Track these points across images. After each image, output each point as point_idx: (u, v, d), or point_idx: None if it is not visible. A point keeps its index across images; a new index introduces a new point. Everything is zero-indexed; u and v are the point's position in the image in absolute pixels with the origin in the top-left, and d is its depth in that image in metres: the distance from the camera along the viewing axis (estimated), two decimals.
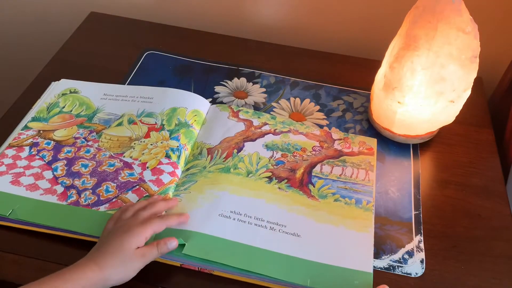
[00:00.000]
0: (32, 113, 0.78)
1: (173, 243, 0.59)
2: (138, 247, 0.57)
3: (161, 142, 0.73)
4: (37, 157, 0.71)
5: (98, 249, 0.56)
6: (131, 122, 0.77)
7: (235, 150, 0.74)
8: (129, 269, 0.56)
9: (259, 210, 0.66)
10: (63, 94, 0.81)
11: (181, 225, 0.63)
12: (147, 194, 0.66)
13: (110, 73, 0.86)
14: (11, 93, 0.93)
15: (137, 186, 0.68)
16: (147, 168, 0.70)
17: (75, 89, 0.82)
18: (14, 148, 0.72)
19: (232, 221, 0.65)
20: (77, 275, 0.53)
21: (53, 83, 0.83)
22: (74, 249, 0.62)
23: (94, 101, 0.80)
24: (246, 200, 0.67)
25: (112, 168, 0.70)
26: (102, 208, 0.65)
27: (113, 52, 0.92)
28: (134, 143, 0.73)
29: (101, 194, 0.67)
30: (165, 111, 0.78)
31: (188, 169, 0.72)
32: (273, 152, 0.74)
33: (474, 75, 0.70)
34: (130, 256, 0.56)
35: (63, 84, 0.83)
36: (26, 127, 0.75)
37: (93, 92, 0.82)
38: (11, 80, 1.16)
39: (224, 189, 0.68)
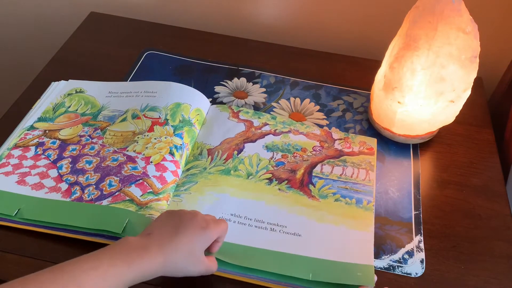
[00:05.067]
0: (36, 113, 0.78)
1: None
2: (204, 254, 0.55)
3: (165, 138, 0.73)
4: (43, 156, 0.71)
5: (172, 239, 0.53)
6: (134, 117, 0.77)
7: (235, 152, 0.74)
8: (190, 267, 0.54)
9: (260, 212, 0.66)
10: (69, 94, 0.81)
11: None
12: (151, 190, 0.67)
13: (110, 73, 0.86)
14: (11, 93, 0.93)
15: (141, 180, 0.68)
16: (151, 162, 0.70)
17: (80, 89, 0.82)
18: (20, 148, 0.72)
19: (232, 224, 0.65)
20: (144, 267, 0.50)
21: (53, 83, 0.83)
22: (75, 249, 0.62)
23: (99, 100, 0.81)
24: (246, 202, 0.67)
25: (115, 162, 0.70)
26: (104, 202, 0.65)
27: (113, 52, 0.92)
28: (138, 137, 0.74)
29: (104, 188, 0.67)
30: (169, 106, 0.78)
31: (188, 169, 0.72)
32: (273, 153, 0.74)
33: (474, 75, 0.70)
34: (195, 262, 0.54)
35: (69, 85, 0.83)
36: (32, 128, 0.75)
37: (99, 91, 0.82)
38: (11, 80, 1.16)
39: (224, 191, 0.68)
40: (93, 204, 0.65)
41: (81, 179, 0.68)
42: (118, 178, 0.68)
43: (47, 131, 0.75)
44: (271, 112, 0.82)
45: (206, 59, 0.91)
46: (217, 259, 0.59)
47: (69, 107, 0.79)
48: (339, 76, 0.90)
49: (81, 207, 0.65)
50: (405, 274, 0.63)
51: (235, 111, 0.81)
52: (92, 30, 0.97)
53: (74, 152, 0.72)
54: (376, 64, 0.79)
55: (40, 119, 0.77)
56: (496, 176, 0.75)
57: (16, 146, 0.72)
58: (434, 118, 0.73)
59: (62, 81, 0.84)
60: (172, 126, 0.75)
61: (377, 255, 0.64)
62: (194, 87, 0.83)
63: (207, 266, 0.56)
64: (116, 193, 0.66)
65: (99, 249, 0.51)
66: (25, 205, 0.65)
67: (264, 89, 0.86)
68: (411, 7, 0.69)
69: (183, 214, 0.56)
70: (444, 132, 0.80)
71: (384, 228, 0.67)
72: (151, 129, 0.75)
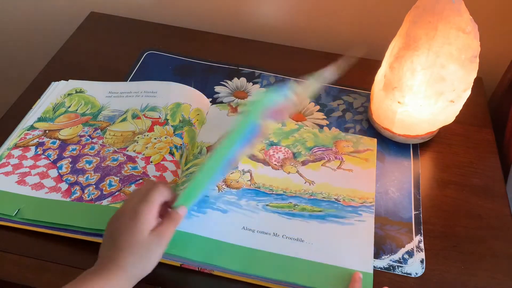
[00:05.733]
0: (36, 113, 0.78)
1: (184, 210, 0.56)
2: (151, 231, 0.53)
3: (165, 137, 0.73)
4: (43, 156, 0.71)
5: (115, 245, 0.52)
6: (134, 117, 0.77)
7: None
8: (151, 259, 0.53)
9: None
10: (69, 94, 0.81)
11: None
12: None
13: (110, 73, 0.86)
14: (11, 93, 0.93)
15: (141, 180, 0.68)
16: (151, 162, 0.70)
17: (81, 89, 0.82)
18: (21, 148, 0.72)
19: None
20: (105, 286, 0.50)
21: (53, 83, 0.83)
22: (74, 249, 0.62)
23: (99, 100, 0.81)
24: None
25: (115, 162, 0.70)
26: (104, 202, 0.65)
27: (113, 52, 0.92)
28: (138, 137, 0.74)
29: (104, 188, 0.67)
30: (169, 106, 0.78)
31: (187, 169, 0.72)
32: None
33: (474, 75, 0.70)
34: (147, 246, 0.52)
35: (69, 85, 0.83)
36: (32, 127, 0.75)
37: (99, 91, 0.82)
38: (11, 80, 1.16)
39: None
40: (93, 204, 0.65)
41: (81, 179, 0.68)
42: (118, 178, 0.68)
43: (47, 131, 0.75)
44: None
45: (206, 59, 0.91)
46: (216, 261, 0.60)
47: (69, 107, 0.79)
48: (339, 76, 0.89)
49: (82, 207, 0.65)
50: (405, 274, 0.63)
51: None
52: (92, 30, 0.97)
53: (74, 152, 0.72)
54: (376, 64, 0.79)
55: (40, 119, 0.77)
56: (496, 176, 0.75)
57: (16, 146, 0.72)
58: (434, 118, 0.73)
59: (62, 81, 0.84)
60: (172, 126, 0.75)
61: (377, 255, 0.64)
62: (194, 87, 0.83)
63: (159, 236, 0.53)
64: (116, 193, 0.66)
65: None
66: (25, 205, 0.65)
67: (264, 89, 0.86)
68: (411, 7, 0.69)
69: (113, 218, 0.55)
70: (444, 132, 0.80)
71: (384, 228, 0.67)
72: (151, 129, 0.75)
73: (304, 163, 0.73)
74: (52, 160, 0.71)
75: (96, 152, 0.72)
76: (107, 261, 0.52)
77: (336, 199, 0.68)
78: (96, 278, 0.51)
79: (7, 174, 0.69)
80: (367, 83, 0.82)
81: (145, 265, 0.53)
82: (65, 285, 0.50)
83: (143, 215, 0.52)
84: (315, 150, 0.75)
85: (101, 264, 0.52)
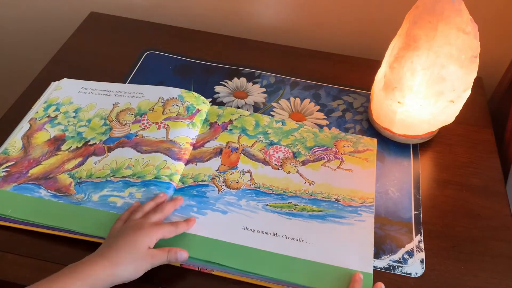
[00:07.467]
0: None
1: (184, 256, 0.59)
2: (149, 248, 0.57)
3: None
4: None
5: (110, 246, 0.56)
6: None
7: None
8: (139, 268, 0.56)
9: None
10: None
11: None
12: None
13: (110, 73, 0.86)
14: (11, 93, 0.93)
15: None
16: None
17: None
18: None
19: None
20: (87, 271, 0.53)
21: (53, 83, 0.83)
22: (74, 249, 0.62)
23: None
24: None
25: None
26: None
27: (113, 52, 0.92)
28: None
29: None
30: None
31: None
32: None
33: (474, 75, 0.70)
34: (142, 255, 0.56)
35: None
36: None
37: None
38: (11, 80, 1.16)
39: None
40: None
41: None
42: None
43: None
44: (271, 112, 0.82)
45: (206, 59, 0.91)
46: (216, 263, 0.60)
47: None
48: (339, 76, 0.90)
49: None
50: (405, 274, 0.63)
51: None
52: (92, 30, 0.97)
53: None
54: (376, 64, 0.79)
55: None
56: (496, 176, 0.75)
57: None
58: (434, 118, 0.73)
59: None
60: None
61: (377, 255, 0.64)
62: (194, 87, 0.83)
63: (152, 256, 0.57)
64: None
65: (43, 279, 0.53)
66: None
67: (264, 89, 0.86)
68: (411, 7, 0.69)
69: (115, 226, 0.60)
70: (444, 132, 0.80)
71: (384, 228, 0.67)
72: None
73: (304, 163, 0.73)
74: None
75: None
76: (100, 256, 0.55)
77: (336, 199, 0.68)
78: (83, 267, 0.54)
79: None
80: (367, 83, 0.82)
81: (133, 270, 0.56)
82: (59, 272, 0.53)
83: (148, 233, 0.58)
84: (315, 150, 0.75)
85: (93, 257, 0.55)
